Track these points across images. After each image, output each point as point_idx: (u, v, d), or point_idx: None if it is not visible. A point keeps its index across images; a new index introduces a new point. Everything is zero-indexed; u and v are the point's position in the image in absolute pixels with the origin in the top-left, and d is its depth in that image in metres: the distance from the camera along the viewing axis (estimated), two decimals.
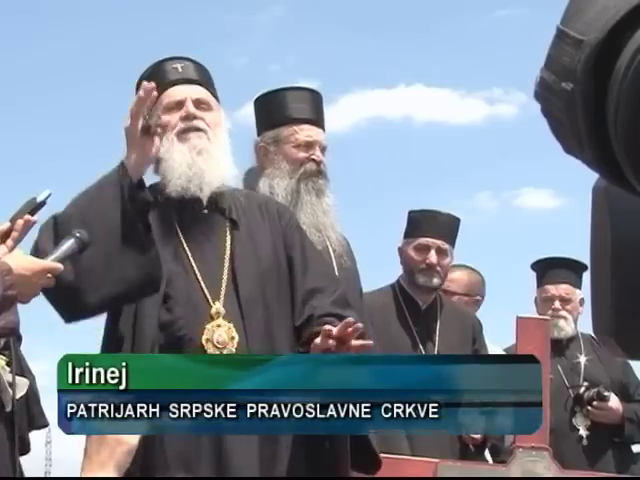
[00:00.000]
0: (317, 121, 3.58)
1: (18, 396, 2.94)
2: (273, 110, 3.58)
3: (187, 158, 2.84)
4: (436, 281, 4.28)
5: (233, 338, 2.77)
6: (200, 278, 2.82)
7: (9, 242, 2.49)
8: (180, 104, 2.88)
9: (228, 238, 2.90)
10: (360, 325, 2.72)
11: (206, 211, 2.88)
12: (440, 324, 4.30)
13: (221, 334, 2.77)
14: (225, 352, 2.74)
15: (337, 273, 3.53)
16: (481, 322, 4.52)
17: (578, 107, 0.95)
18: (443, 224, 4.31)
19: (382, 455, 3.17)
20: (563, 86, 0.96)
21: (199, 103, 2.90)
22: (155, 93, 2.68)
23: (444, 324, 4.31)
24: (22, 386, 3.01)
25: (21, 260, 2.38)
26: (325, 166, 3.57)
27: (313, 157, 3.53)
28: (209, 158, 2.85)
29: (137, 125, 2.66)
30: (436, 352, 4.22)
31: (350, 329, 2.69)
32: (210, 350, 2.74)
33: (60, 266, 2.46)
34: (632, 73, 0.91)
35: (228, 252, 2.88)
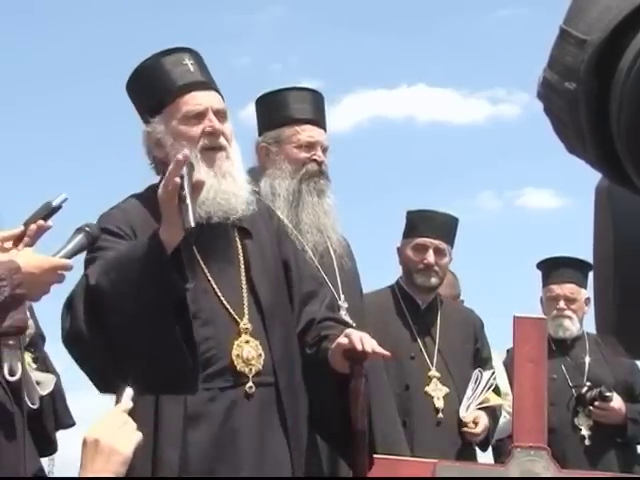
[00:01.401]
0: (319, 121, 3.58)
1: (45, 393, 2.93)
2: (275, 110, 3.58)
3: (214, 183, 2.76)
4: (434, 281, 4.28)
5: (260, 355, 2.80)
6: (221, 295, 2.80)
7: (20, 247, 2.48)
8: (200, 115, 2.78)
9: (239, 247, 2.89)
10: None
11: (217, 219, 2.82)
12: (440, 323, 4.30)
13: (250, 351, 2.78)
14: (253, 369, 2.77)
15: (338, 274, 3.54)
16: (482, 321, 4.52)
17: (581, 107, 0.95)
18: (441, 224, 4.30)
19: (381, 455, 3.17)
20: (566, 86, 0.96)
21: (218, 113, 2.81)
22: (187, 158, 2.53)
23: (444, 323, 4.30)
24: (49, 383, 3.00)
25: (30, 258, 2.37)
26: (327, 166, 3.57)
27: (315, 157, 3.53)
28: (232, 181, 2.81)
29: (175, 200, 2.50)
30: (436, 350, 4.22)
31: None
32: (240, 366, 2.76)
33: (70, 262, 2.44)
34: (634, 74, 0.91)
35: (242, 262, 2.87)
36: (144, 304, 2.48)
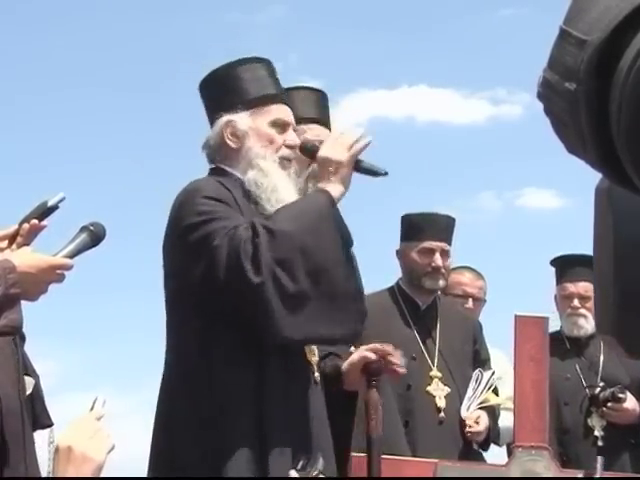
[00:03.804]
0: (324, 121, 3.57)
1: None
2: None
3: (286, 186, 2.95)
4: (442, 283, 4.31)
5: (315, 349, 2.99)
6: None
7: (13, 247, 2.46)
8: (285, 126, 3.03)
9: None
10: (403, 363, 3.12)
11: None
12: (440, 323, 4.30)
13: None
14: (315, 360, 2.96)
15: None
16: (481, 323, 4.54)
17: (581, 107, 0.95)
18: (444, 227, 4.32)
19: (383, 456, 3.17)
20: (566, 86, 0.95)
21: (295, 131, 3.09)
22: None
23: (444, 324, 4.30)
24: (28, 385, 3.00)
25: (26, 257, 2.34)
26: None
27: None
28: (295, 187, 3.00)
29: (353, 161, 2.83)
30: (437, 351, 4.22)
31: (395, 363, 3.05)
32: (308, 354, 2.94)
33: (71, 262, 2.42)
34: (634, 75, 0.91)
35: None
36: (330, 248, 2.75)
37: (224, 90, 3.08)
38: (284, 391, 2.80)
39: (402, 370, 3.13)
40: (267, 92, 3.05)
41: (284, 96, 3.11)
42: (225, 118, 3.01)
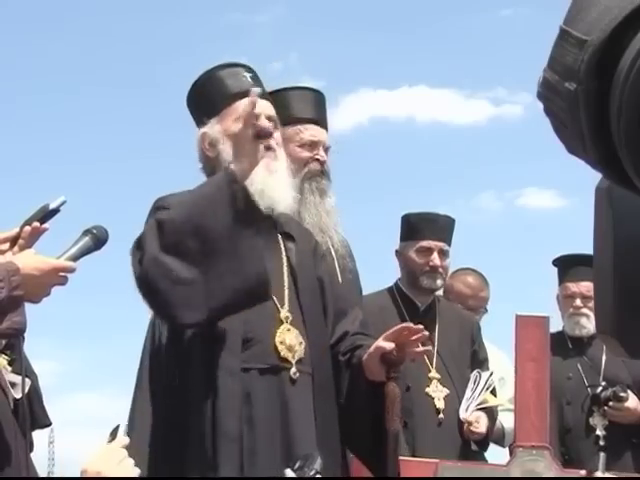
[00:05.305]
0: (321, 121, 3.58)
1: (19, 395, 2.93)
2: (277, 110, 3.58)
3: (262, 178, 2.90)
4: (439, 283, 4.32)
5: (301, 343, 2.91)
6: None
7: (15, 249, 2.47)
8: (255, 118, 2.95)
9: (282, 249, 3.02)
10: (426, 332, 2.94)
11: (263, 210, 2.94)
12: (439, 325, 4.31)
13: (292, 338, 2.90)
14: (296, 355, 2.88)
15: (339, 273, 3.55)
16: (479, 323, 4.54)
17: (581, 107, 0.95)
18: (443, 226, 4.34)
19: None
20: (566, 86, 0.96)
21: (270, 119, 3.01)
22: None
23: (443, 325, 4.31)
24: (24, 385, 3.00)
25: (30, 260, 2.35)
26: (328, 167, 3.57)
27: (317, 157, 3.54)
28: (278, 178, 2.94)
29: (249, 131, 2.77)
30: (435, 352, 4.23)
31: (418, 335, 2.88)
32: (283, 352, 2.87)
33: (73, 265, 2.43)
34: (634, 75, 0.91)
35: (285, 262, 3.00)
36: (223, 225, 2.68)
37: (195, 106, 3.10)
38: (242, 394, 2.79)
39: (421, 349, 3.01)
40: (230, 92, 3.03)
41: (254, 89, 2.97)
42: (200, 132, 3.03)
